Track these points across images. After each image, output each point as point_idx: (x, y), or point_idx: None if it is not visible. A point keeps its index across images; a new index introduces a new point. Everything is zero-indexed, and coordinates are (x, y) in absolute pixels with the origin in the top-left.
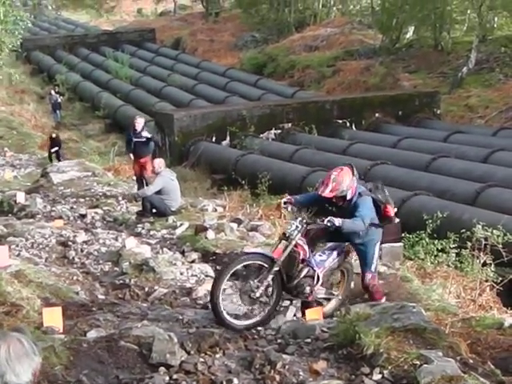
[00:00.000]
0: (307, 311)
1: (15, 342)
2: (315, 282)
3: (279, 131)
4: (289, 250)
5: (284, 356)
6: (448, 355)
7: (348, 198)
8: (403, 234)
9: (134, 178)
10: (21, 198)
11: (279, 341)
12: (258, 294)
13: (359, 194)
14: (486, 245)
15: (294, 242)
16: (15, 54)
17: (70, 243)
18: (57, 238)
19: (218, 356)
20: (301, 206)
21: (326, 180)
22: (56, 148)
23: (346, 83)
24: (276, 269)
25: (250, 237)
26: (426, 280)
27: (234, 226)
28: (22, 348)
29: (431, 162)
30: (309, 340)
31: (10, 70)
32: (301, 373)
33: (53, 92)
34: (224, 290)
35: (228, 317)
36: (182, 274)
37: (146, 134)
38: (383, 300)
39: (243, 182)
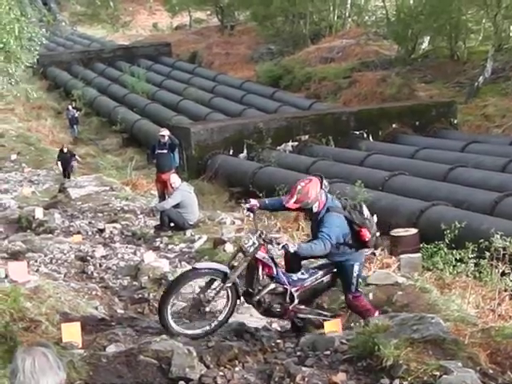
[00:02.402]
0: (326, 323)
1: (40, 355)
2: (288, 300)
3: (296, 143)
4: (243, 266)
5: (303, 368)
6: (467, 366)
7: (314, 211)
8: (421, 245)
9: (156, 193)
10: (39, 213)
11: (298, 353)
12: (207, 309)
13: (327, 208)
14: (504, 254)
15: (248, 259)
16: (31, 69)
17: (88, 258)
18: (75, 253)
19: (237, 369)
20: (269, 210)
21: (292, 190)
22: (74, 162)
23: (362, 94)
24: (228, 284)
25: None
26: (445, 290)
27: None
28: (47, 362)
29: (449, 172)
30: (328, 352)
31: (27, 86)
32: None
33: (70, 107)
34: (173, 305)
35: (176, 326)
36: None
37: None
38: (376, 314)
39: (261, 194)
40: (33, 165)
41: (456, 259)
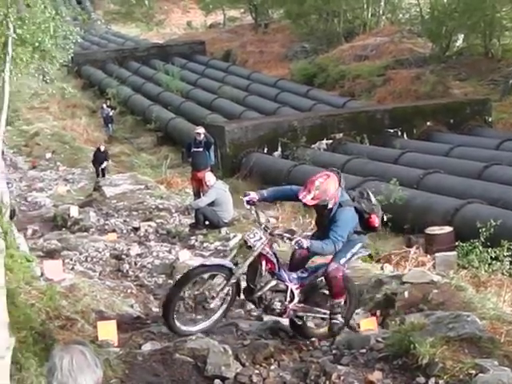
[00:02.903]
0: (362, 321)
1: (78, 353)
2: (289, 298)
3: (330, 141)
4: (249, 261)
5: (339, 367)
6: (503, 364)
7: (328, 207)
8: (457, 243)
9: (191, 191)
10: (74, 211)
11: (334, 352)
12: (211, 306)
13: (339, 204)
14: None
15: (255, 254)
16: (66, 68)
17: (123, 256)
18: (110, 252)
19: (272, 367)
20: (269, 201)
21: (308, 185)
22: (106, 163)
23: (396, 92)
24: (233, 281)
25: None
26: (481, 289)
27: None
28: (85, 360)
29: (483, 170)
30: (364, 350)
31: (62, 85)
32: (356, 383)
33: (104, 106)
34: (179, 304)
35: (179, 325)
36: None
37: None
38: (341, 300)
39: None
40: (68, 163)
41: (491, 257)
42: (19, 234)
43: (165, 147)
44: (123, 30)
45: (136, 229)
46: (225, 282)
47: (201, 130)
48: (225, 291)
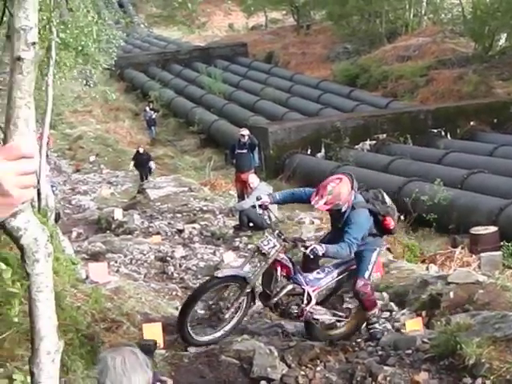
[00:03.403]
0: (407, 322)
1: (130, 354)
2: (305, 301)
3: (374, 142)
4: (264, 268)
5: (385, 368)
6: None
7: (342, 211)
8: (502, 243)
9: (235, 193)
10: (118, 214)
11: (380, 352)
12: (226, 316)
13: (353, 206)
14: None
15: (270, 261)
16: (109, 72)
17: (168, 258)
18: (155, 254)
19: (318, 369)
20: (281, 203)
21: (321, 190)
22: (152, 163)
23: (439, 92)
24: (248, 290)
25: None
26: None
27: None
28: (137, 360)
29: None
30: (410, 351)
31: (105, 88)
32: None
33: (147, 108)
34: (193, 316)
35: (194, 335)
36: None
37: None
38: (374, 311)
39: None
40: (111, 166)
41: None
42: (64, 237)
43: (208, 149)
44: (165, 32)
45: (180, 231)
46: (239, 291)
47: (245, 131)
48: (239, 301)
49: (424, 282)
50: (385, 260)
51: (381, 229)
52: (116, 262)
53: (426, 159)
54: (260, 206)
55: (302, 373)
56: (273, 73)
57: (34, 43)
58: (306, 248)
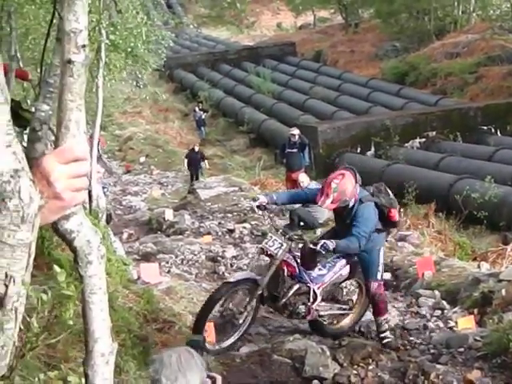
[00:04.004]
0: (459, 320)
1: (185, 352)
2: (311, 299)
3: (423, 140)
4: (272, 270)
5: (437, 366)
6: None
7: (349, 206)
8: None
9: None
10: (169, 215)
11: (432, 351)
12: (241, 321)
13: (360, 200)
14: None
15: (277, 262)
16: (158, 72)
17: (219, 258)
18: (206, 254)
19: (370, 368)
20: (279, 205)
21: (325, 189)
22: (203, 163)
23: (489, 89)
24: (259, 292)
25: (399, 247)
26: None
27: None
28: (193, 358)
29: None
30: (462, 349)
31: (155, 89)
32: (455, 383)
33: (197, 109)
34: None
35: (207, 344)
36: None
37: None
38: (386, 316)
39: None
40: (161, 167)
41: None
42: (115, 238)
43: (258, 149)
44: (214, 33)
45: (231, 231)
46: (250, 294)
47: (295, 131)
48: (252, 304)
49: (476, 280)
50: (436, 258)
51: (385, 222)
52: (167, 262)
53: (477, 156)
54: (258, 206)
55: (354, 372)
56: (321, 71)
57: (84, 46)
58: (316, 244)
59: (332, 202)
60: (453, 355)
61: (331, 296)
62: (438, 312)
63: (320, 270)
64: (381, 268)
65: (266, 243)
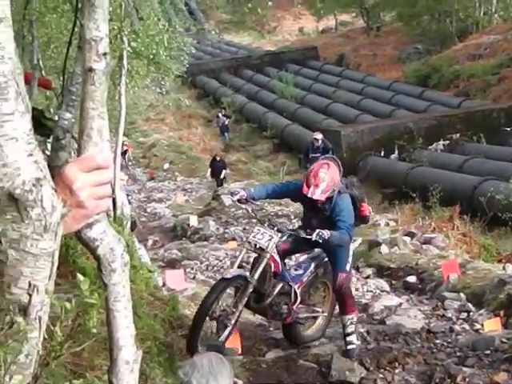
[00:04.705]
0: (485, 322)
1: (216, 357)
2: (293, 299)
3: (447, 142)
4: (263, 265)
5: (464, 369)
6: None
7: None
8: None
9: None
10: (194, 221)
11: (458, 353)
12: (233, 321)
13: (339, 191)
14: None
15: (268, 256)
16: (180, 79)
17: (244, 264)
18: (231, 260)
19: (397, 371)
20: (257, 199)
21: (314, 180)
22: (224, 172)
23: (511, 90)
24: (250, 290)
25: (424, 250)
26: None
27: (407, 239)
28: (223, 363)
29: None
30: (488, 352)
31: (177, 96)
32: None
33: (220, 115)
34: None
35: (201, 348)
36: (357, 289)
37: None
38: (353, 315)
39: (414, 194)
40: (185, 173)
41: None
42: (140, 245)
43: (281, 154)
44: (235, 38)
45: None
46: (241, 292)
47: (319, 135)
48: (243, 302)
49: (501, 282)
50: (461, 260)
51: (356, 216)
52: (192, 268)
53: (500, 158)
54: (239, 200)
55: (381, 376)
56: (344, 75)
57: (105, 54)
58: (310, 235)
59: (322, 193)
60: (479, 357)
61: (305, 298)
62: (464, 314)
63: (296, 270)
64: (350, 260)
65: (254, 236)
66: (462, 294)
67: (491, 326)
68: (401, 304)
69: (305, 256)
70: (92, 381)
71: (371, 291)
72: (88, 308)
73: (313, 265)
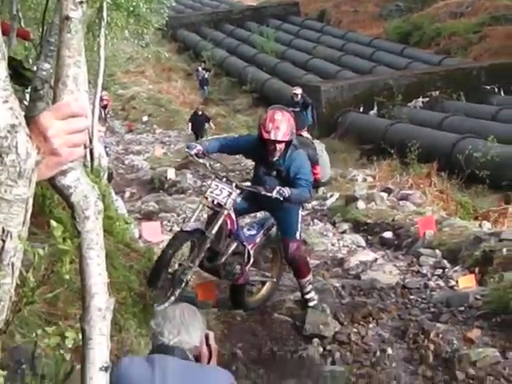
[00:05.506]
0: (460, 279)
1: (188, 308)
2: (246, 260)
3: (427, 99)
4: (220, 222)
5: (437, 325)
6: None
7: (282, 149)
8: None
9: None
10: (171, 174)
11: (432, 309)
12: (188, 277)
13: (294, 145)
14: None
15: (226, 212)
16: (161, 32)
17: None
18: (208, 213)
19: (371, 326)
20: (210, 154)
21: (271, 124)
22: (207, 125)
23: (492, 49)
24: (208, 245)
25: (401, 206)
26: None
27: (385, 195)
28: (195, 314)
29: None
30: (462, 308)
31: (157, 49)
32: (455, 341)
33: (200, 68)
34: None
35: (155, 305)
36: (333, 244)
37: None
38: (309, 277)
39: (392, 151)
40: (164, 126)
41: None
42: (117, 196)
43: (260, 108)
44: None
45: None
46: (198, 248)
47: (298, 90)
48: (200, 257)
49: (477, 239)
50: (438, 217)
51: None
52: (169, 221)
53: (480, 116)
54: (196, 154)
55: (355, 330)
56: (325, 31)
57: (81, 2)
58: (270, 192)
59: (284, 135)
60: (453, 314)
61: (257, 260)
62: (439, 271)
63: (249, 230)
64: (299, 227)
65: (212, 192)
66: (437, 251)
67: (466, 282)
68: (376, 259)
69: (259, 216)
70: (65, 329)
71: (347, 246)
72: (61, 255)
73: (265, 226)
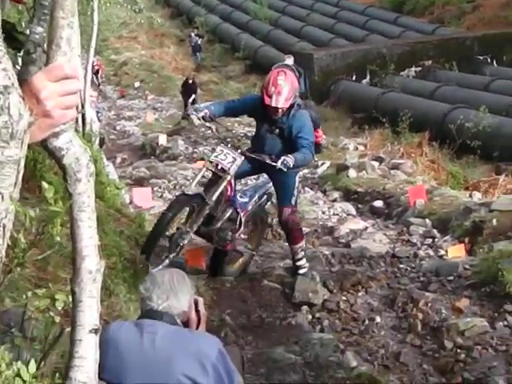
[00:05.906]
0: (449, 249)
1: (177, 273)
2: (237, 227)
3: (419, 69)
4: (222, 187)
5: (426, 294)
6: None
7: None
8: None
9: None
10: (163, 140)
11: (421, 279)
12: (185, 241)
13: (298, 105)
14: None
15: (229, 178)
16: None
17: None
18: (199, 180)
19: (360, 294)
20: (218, 116)
21: (273, 88)
22: (193, 96)
23: (486, 19)
24: (207, 211)
25: (392, 175)
26: None
27: (376, 164)
28: (184, 280)
29: None
30: (451, 277)
31: (150, 14)
32: (443, 311)
33: (193, 34)
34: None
35: (150, 267)
36: (323, 213)
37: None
38: (302, 243)
39: (384, 120)
40: (156, 92)
41: None
42: (108, 162)
43: (253, 75)
44: None
45: None
46: (198, 213)
47: (290, 58)
48: (198, 223)
49: (467, 209)
50: (428, 187)
51: None
52: (160, 187)
53: (472, 86)
54: (203, 117)
55: (344, 298)
56: None
57: None
58: (275, 162)
59: (286, 100)
60: (442, 283)
61: (246, 228)
62: (429, 240)
63: (242, 197)
64: (295, 193)
65: (217, 156)
66: (427, 220)
67: (455, 252)
68: (366, 228)
69: (253, 184)
70: (55, 291)
71: (337, 214)
72: (53, 216)
73: (257, 194)
